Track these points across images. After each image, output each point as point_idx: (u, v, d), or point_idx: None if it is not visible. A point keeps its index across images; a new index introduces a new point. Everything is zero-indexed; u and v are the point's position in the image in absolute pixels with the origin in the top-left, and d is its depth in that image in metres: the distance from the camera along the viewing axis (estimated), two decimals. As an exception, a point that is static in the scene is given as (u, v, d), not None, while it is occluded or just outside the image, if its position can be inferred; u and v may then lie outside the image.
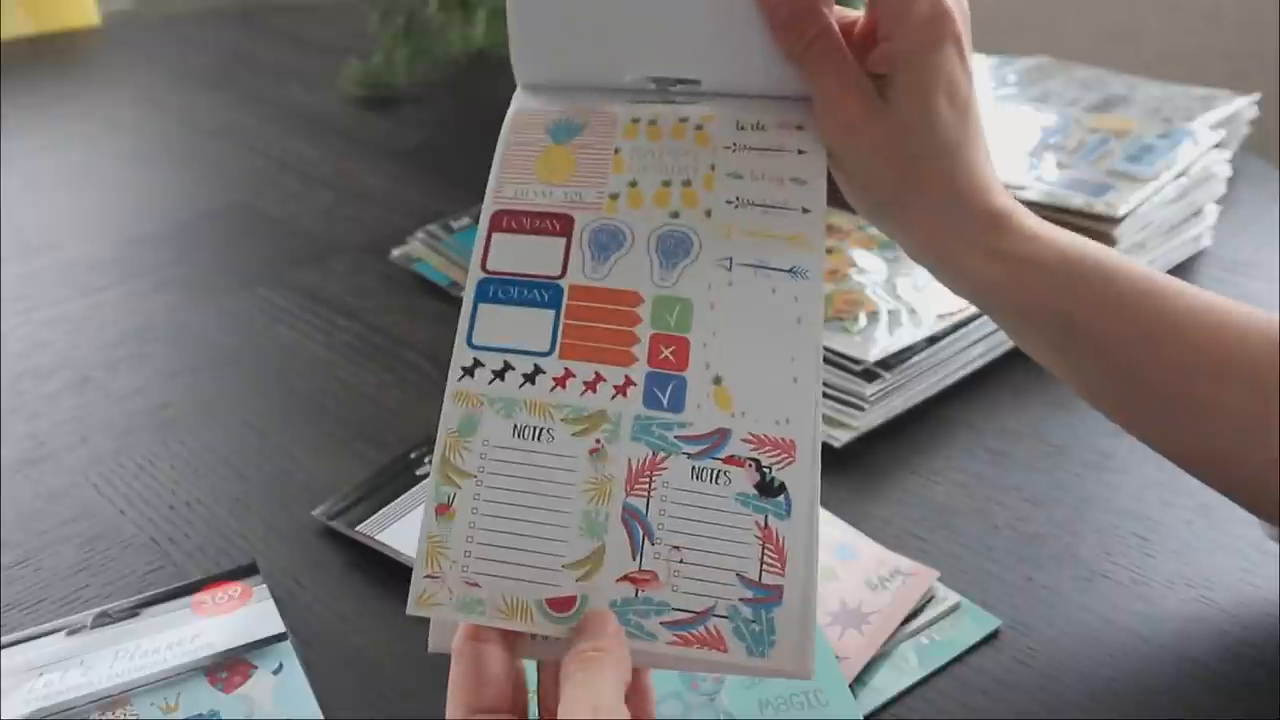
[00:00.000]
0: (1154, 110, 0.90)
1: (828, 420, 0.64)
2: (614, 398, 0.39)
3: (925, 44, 0.43)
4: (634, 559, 0.38)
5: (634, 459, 0.39)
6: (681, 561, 0.38)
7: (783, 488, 0.38)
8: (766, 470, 0.38)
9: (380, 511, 0.58)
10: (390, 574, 0.55)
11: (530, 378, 0.40)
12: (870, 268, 0.73)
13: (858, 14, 0.46)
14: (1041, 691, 0.49)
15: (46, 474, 0.64)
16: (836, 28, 0.44)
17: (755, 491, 0.38)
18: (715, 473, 0.38)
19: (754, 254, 0.41)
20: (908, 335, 0.66)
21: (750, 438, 0.39)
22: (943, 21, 0.43)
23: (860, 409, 0.63)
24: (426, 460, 0.61)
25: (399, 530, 0.56)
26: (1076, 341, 0.47)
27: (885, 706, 0.48)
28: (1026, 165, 0.81)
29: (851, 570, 0.54)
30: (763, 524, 0.38)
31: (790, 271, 0.41)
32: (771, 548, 0.38)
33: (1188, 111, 0.89)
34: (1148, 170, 0.78)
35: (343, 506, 0.59)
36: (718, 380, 0.40)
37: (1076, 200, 0.75)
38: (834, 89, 0.44)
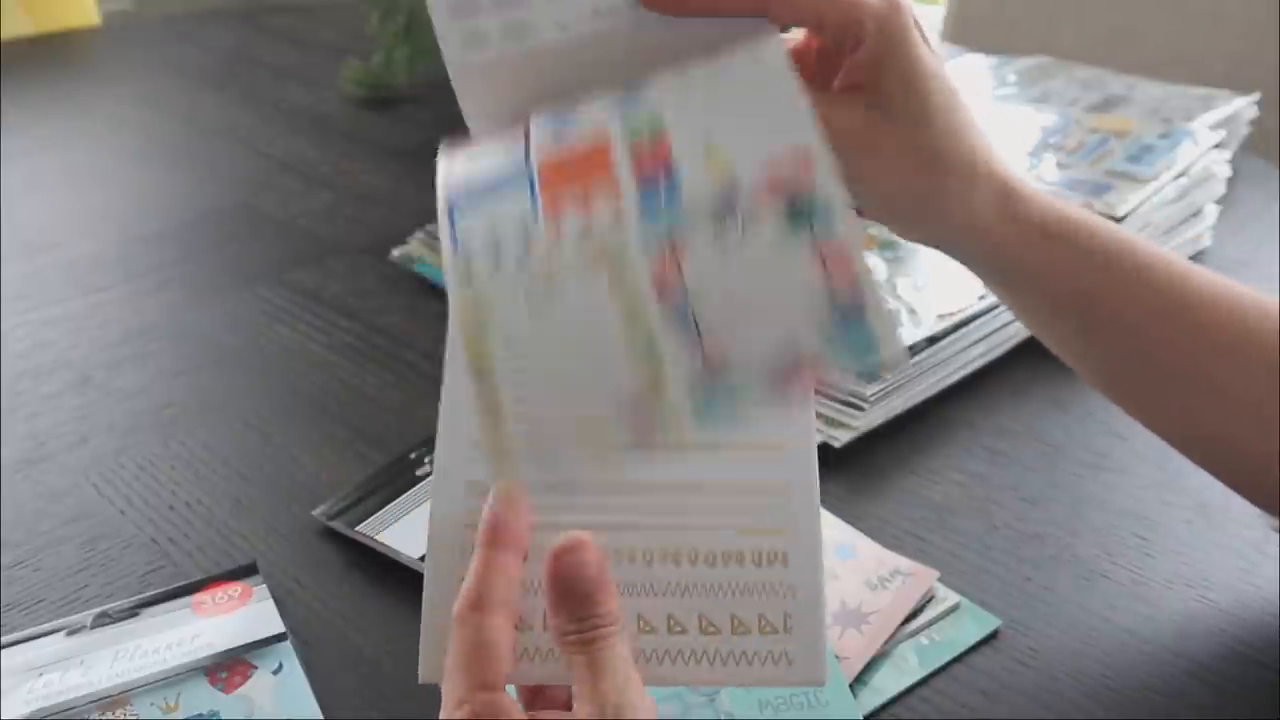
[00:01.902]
0: (1154, 110, 0.90)
1: (828, 421, 0.64)
2: (612, 228, 0.37)
3: (894, 37, 0.42)
4: (694, 358, 0.35)
5: (653, 263, 0.36)
6: (741, 330, 0.35)
7: (813, 201, 0.36)
8: (792, 190, 0.36)
9: (380, 511, 0.58)
10: (390, 574, 0.55)
11: (523, 252, 0.37)
12: (870, 268, 0.73)
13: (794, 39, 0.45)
14: (1041, 691, 0.49)
15: (46, 474, 0.64)
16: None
17: (789, 214, 0.36)
18: (741, 221, 0.36)
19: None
20: (908, 335, 0.66)
21: (760, 175, 0.36)
22: (899, 8, 0.42)
23: (860, 409, 0.63)
24: (427, 460, 0.61)
25: (399, 530, 0.57)
26: (1096, 316, 0.47)
27: (885, 706, 0.48)
28: (1026, 165, 0.81)
29: (851, 570, 0.54)
30: (810, 238, 0.36)
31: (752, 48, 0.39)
32: (831, 257, 0.36)
33: (1188, 111, 0.89)
34: (1148, 170, 0.78)
35: (343, 506, 0.59)
36: (709, 150, 0.37)
37: (1076, 200, 0.75)
38: (831, 126, 0.43)
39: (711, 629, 0.37)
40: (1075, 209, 0.48)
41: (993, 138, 0.47)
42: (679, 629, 0.37)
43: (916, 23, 0.43)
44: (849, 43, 0.42)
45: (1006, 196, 0.46)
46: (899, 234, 0.49)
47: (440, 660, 0.36)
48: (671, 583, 0.37)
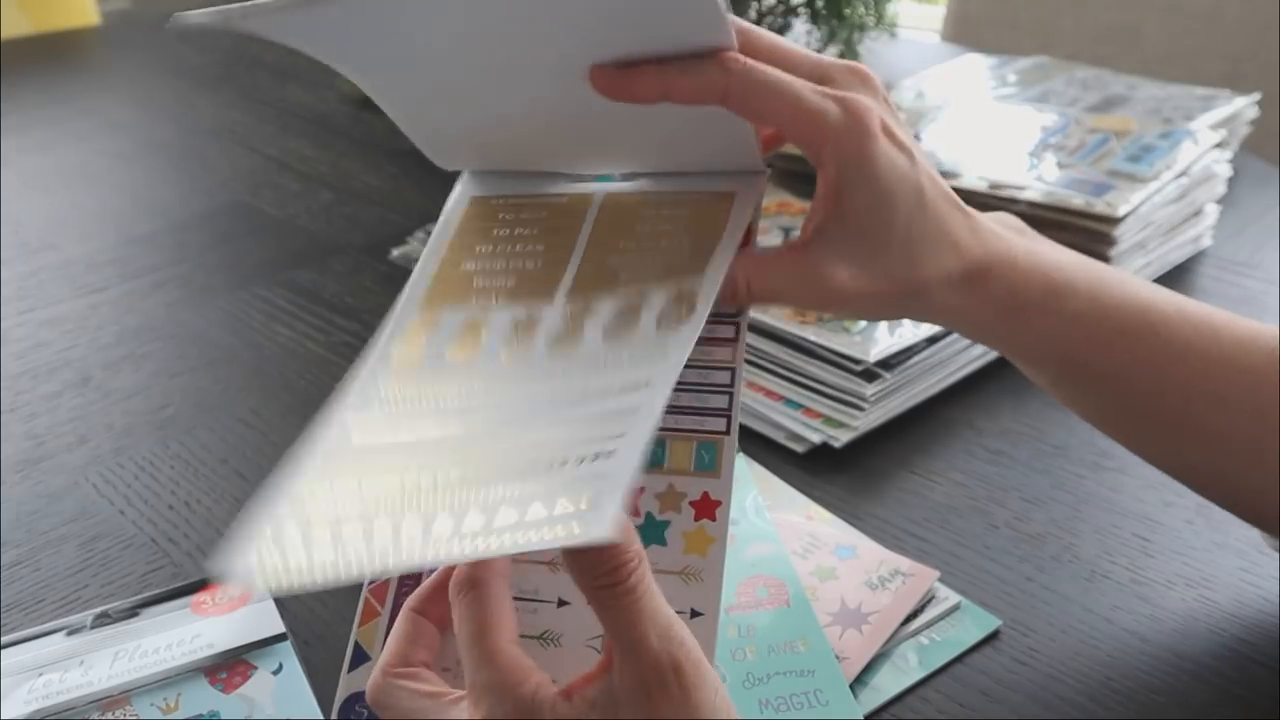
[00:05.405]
0: (1154, 110, 0.90)
1: (828, 420, 0.64)
2: None
3: (853, 161, 0.40)
4: None
5: None
6: None
7: None
8: None
9: (380, 511, 0.58)
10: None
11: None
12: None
13: None
14: (1041, 691, 0.49)
15: (46, 474, 0.64)
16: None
17: None
18: None
19: None
20: (908, 335, 0.66)
21: None
22: (859, 123, 0.40)
23: (860, 409, 0.63)
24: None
25: (399, 530, 0.56)
26: (1076, 377, 0.48)
27: (885, 706, 0.48)
28: (1026, 165, 0.81)
29: (851, 570, 0.54)
30: None
31: None
32: None
33: (1188, 111, 0.89)
34: (1148, 170, 0.78)
35: (342, 506, 0.59)
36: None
37: (1076, 200, 0.75)
38: (795, 292, 0.42)
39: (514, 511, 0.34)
40: (1052, 267, 0.46)
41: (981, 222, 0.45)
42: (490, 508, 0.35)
43: (885, 125, 0.41)
44: (811, 158, 0.41)
45: (971, 281, 0.44)
46: None
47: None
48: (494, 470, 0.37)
